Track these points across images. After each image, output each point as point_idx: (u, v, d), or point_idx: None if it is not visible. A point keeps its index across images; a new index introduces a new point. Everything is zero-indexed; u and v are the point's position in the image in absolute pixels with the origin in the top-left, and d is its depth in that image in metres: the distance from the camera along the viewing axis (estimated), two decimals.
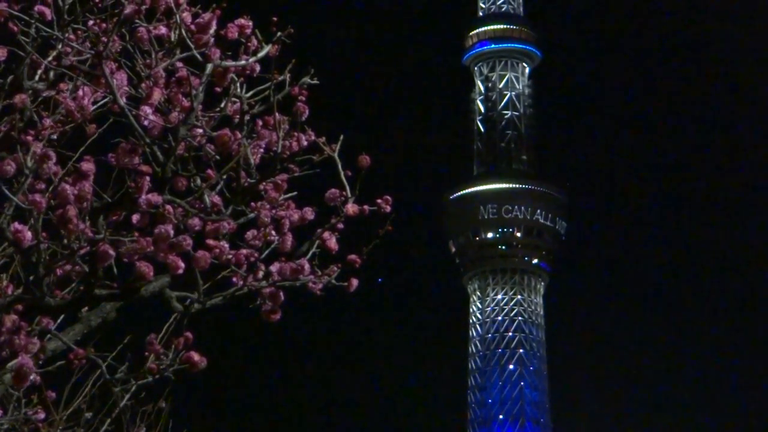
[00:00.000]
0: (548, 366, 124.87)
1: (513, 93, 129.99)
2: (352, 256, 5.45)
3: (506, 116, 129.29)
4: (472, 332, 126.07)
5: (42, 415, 5.88)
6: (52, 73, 5.24)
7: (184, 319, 5.32)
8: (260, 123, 5.28)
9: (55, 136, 5.02)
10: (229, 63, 5.16)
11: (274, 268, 5.23)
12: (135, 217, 4.99)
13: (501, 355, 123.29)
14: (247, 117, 5.22)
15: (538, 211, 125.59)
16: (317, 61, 5.67)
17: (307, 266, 5.27)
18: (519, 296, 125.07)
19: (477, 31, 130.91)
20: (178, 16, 5.05)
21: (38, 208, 4.69)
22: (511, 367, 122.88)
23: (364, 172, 5.40)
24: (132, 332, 5.82)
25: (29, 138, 4.89)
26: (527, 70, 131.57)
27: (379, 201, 5.48)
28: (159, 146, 4.97)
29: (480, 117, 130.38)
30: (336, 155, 5.42)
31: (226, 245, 5.09)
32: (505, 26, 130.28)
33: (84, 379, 6.29)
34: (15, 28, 5.08)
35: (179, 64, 5.09)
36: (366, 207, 5.44)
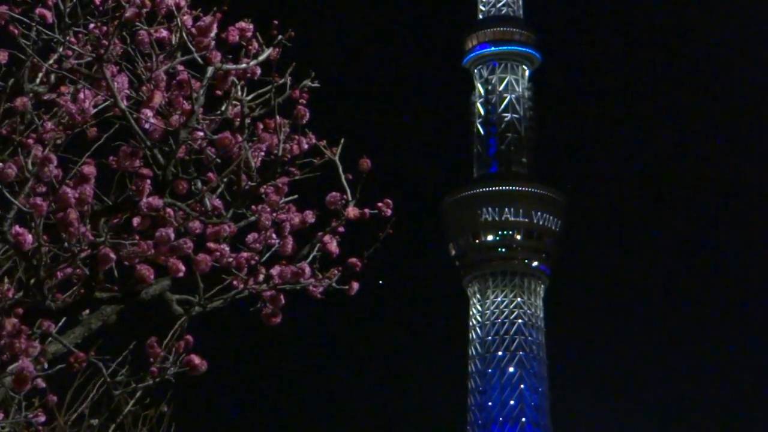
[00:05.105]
0: (548, 369, 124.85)
1: (513, 96, 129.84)
2: (353, 260, 5.45)
3: (506, 119, 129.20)
4: (472, 335, 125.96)
5: (42, 419, 5.87)
6: (53, 76, 5.24)
7: (184, 322, 5.32)
8: (261, 126, 5.28)
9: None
10: (230, 66, 5.16)
11: (275, 271, 5.22)
12: (136, 220, 4.99)
13: (501, 358, 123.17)
14: (247, 120, 5.23)
15: (538, 213, 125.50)
16: (318, 64, 5.67)
17: (307, 269, 5.27)
18: (519, 299, 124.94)
19: (477, 33, 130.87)
20: (179, 19, 5.06)
21: (39, 212, 4.70)
22: (511, 369, 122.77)
23: (364, 176, 5.40)
24: (133, 335, 5.82)
25: (30, 141, 4.90)
26: (527, 72, 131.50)
27: (379, 204, 5.48)
28: (160, 149, 4.98)
29: (480, 119, 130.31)
30: (337, 158, 5.42)
31: (227, 248, 5.09)
32: (504, 29, 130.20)
33: (87, 382, 6.29)
34: (16, 31, 5.08)
35: (180, 67, 5.09)
36: (367, 210, 5.44)
